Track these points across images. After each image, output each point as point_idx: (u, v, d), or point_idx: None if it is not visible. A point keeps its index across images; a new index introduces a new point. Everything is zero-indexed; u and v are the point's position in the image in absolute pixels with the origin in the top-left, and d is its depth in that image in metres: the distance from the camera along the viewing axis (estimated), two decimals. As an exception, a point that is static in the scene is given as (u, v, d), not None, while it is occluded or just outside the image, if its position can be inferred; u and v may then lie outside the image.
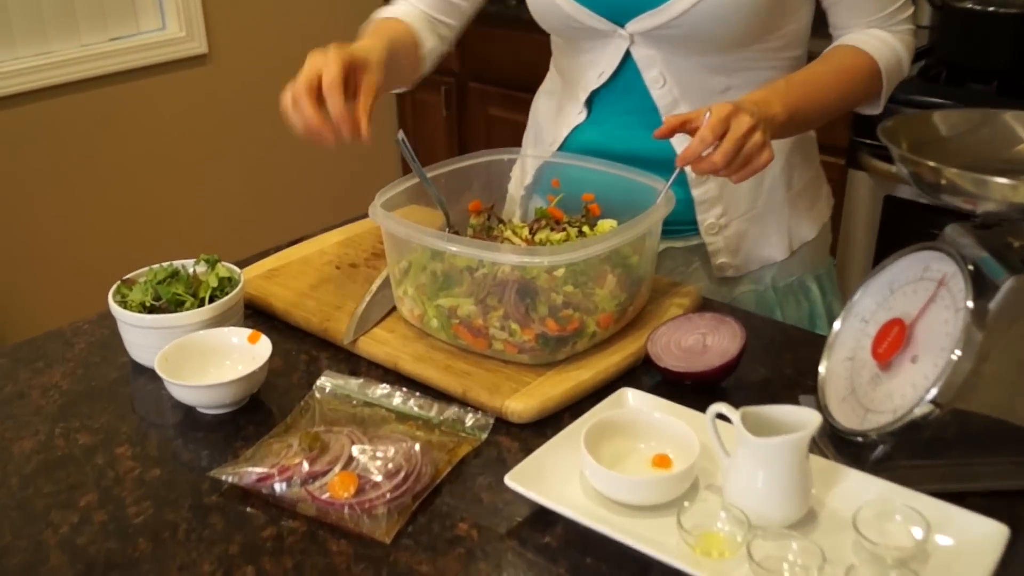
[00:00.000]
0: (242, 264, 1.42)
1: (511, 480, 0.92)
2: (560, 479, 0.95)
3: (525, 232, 1.29)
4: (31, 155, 2.73)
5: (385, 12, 1.42)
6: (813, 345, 1.23)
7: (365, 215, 1.57)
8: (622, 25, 1.31)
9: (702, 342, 1.15)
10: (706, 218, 1.39)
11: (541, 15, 1.38)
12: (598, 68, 1.36)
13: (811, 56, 1.37)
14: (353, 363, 1.19)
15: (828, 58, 1.33)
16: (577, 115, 1.41)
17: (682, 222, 1.40)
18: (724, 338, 1.14)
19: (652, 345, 1.15)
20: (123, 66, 2.87)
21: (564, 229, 1.29)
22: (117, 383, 1.16)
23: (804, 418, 0.89)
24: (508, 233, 1.29)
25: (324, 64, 1.11)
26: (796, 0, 1.31)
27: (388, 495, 0.93)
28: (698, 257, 1.44)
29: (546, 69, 1.55)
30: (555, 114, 1.47)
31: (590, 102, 1.39)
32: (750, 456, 0.89)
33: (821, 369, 1.07)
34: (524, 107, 1.60)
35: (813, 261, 1.50)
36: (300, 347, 1.23)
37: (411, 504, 0.94)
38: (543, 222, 1.30)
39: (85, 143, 2.83)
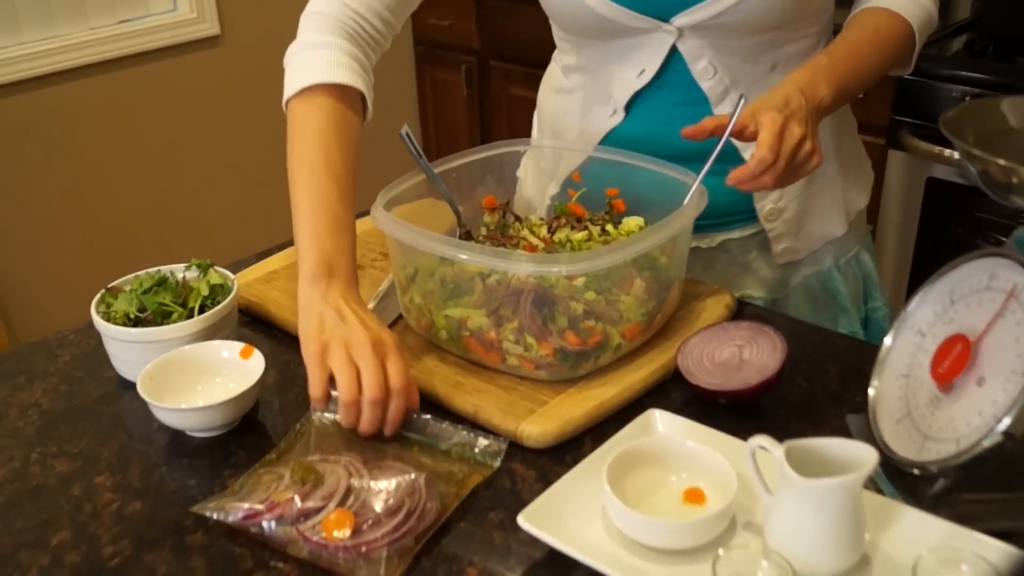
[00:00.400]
0: (243, 264, 1.32)
1: (526, 521, 0.82)
2: (581, 518, 0.85)
3: (543, 231, 1.19)
4: (39, 143, 2.65)
5: (329, 74, 1.12)
6: (860, 354, 1.12)
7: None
8: (667, 20, 1.20)
9: (738, 355, 1.04)
10: (765, 204, 1.30)
11: (564, 17, 1.26)
12: (637, 66, 1.25)
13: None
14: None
15: (863, 23, 1.23)
16: (611, 117, 1.30)
17: (738, 212, 1.31)
18: (763, 351, 1.04)
19: (683, 358, 1.05)
20: (132, 49, 2.78)
21: (586, 227, 1.19)
22: (101, 401, 1.07)
23: (858, 455, 0.79)
24: (525, 232, 1.18)
25: (395, 366, 0.97)
26: None
27: (388, 536, 0.83)
28: (756, 245, 1.34)
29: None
30: (579, 116, 1.35)
31: (628, 103, 1.28)
32: (796, 498, 0.78)
33: (871, 391, 0.96)
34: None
35: (863, 230, 1.43)
36: (299, 359, 1.12)
37: (414, 546, 0.84)
38: (563, 219, 1.20)
39: (94, 129, 2.75)
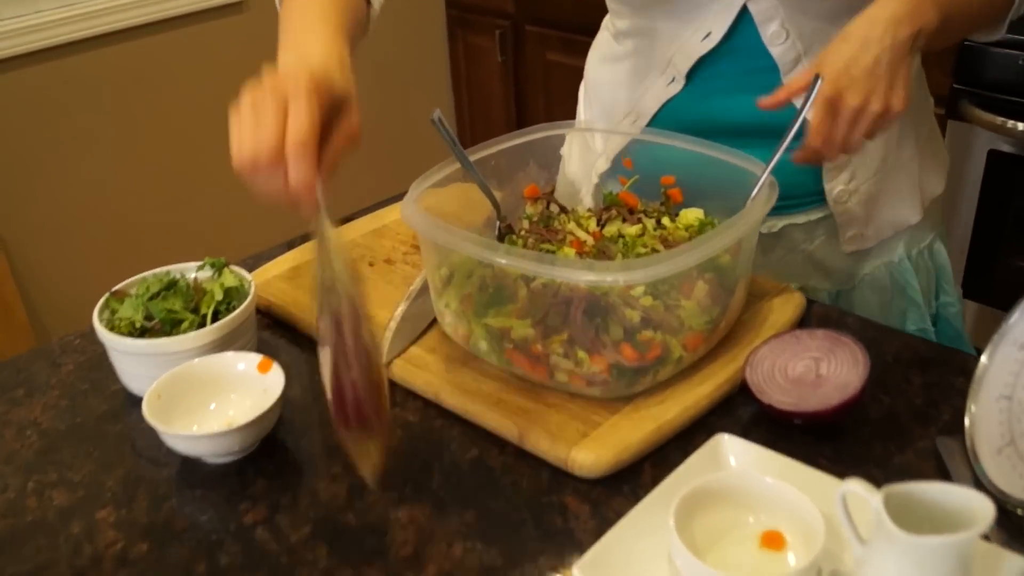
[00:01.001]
0: (263, 258, 1.22)
1: (582, 574, 0.72)
2: (644, 567, 0.74)
3: (592, 224, 1.07)
4: (57, 114, 2.55)
5: None
6: (945, 363, 1.01)
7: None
8: None
9: (814, 370, 0.93)
10: (834, 186, 1.17)
11: None
12: (701, 29, 1.12)
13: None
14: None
15: None
16: (668, 86, 1.18)
17: (805, 194, 1.19)
18: (842, 365, 0.92)
19: (752, 372, 0.94)
20: (153, 16, 2.66)
21: (639, 220, 1.07)
22: (106, 418, 0.97)
23: (969, 505, 0.67)
24: (571, 226, 1.07)
25: (294, 112, 0.77)
26: None
27: None
28: (823, 230, 1.22)
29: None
30: (632, 86, 1.23)
31: (690, 71, 1.16)
32: (896, 554, 0.67)
33: (968, 415, 0.85)
34: (587, 52, 1.37)
35: (939, 218, 1.31)
36: (324, 369, 1.03)
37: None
38: (613, 211, 1.08)
39: (112, 100, 2.64)
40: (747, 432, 0.91)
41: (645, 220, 1.07)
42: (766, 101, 0.97)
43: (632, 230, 1.05)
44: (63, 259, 2.63)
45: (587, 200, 1.28)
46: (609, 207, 1.09)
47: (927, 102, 1.27)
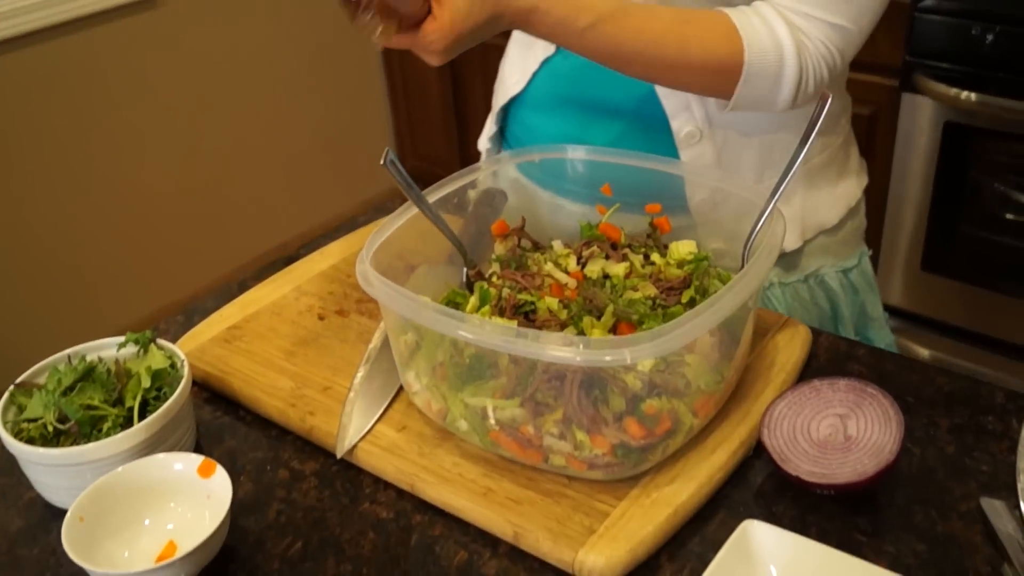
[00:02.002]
0: (197, 312, 1.07)
1: None
2: None
3: (572, 263, 0.95)
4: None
5: None
6: (973, 401, 0.91)
7: (357, 223, 1.23)
8: None
9: (842, 430, 0.81)
10: (696, 191, 1.04)
11: None
12: None
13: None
14: (353, 478, 0.86)
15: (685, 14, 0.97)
16: (545, 47, 1.14)
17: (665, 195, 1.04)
18: (873, 423, 0.81)
19: (770, 436, 0.82)
20: (61, 17, 2.44)
21: (625, 256, 0.95)
22: (22, 539, 0.82)
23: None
24: (549, 267, 0.94)
25: None
26: None
27: None
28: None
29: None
30: (525, 50, 1.18)
31: None
32: None
33: (1020, 479, 0.74)
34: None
35: (837, 252, 1.18)
36: (278, 454, 0.89)
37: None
38: (594, 247, 0.96)
39: (18, 109, 2.43)
40: (771, 505, 0.81)
41: (631, 255, 0.95)
42: None
43: (618, 269, 0.92)
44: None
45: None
46: (589, 241, 0.97)
47: (832, 129, 1.16)
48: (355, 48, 3.11)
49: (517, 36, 1.21)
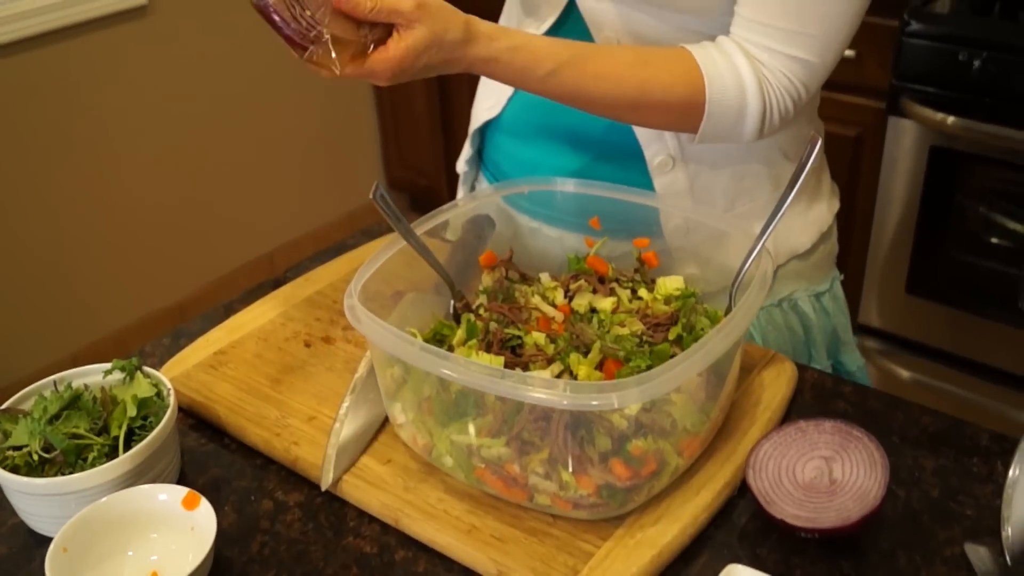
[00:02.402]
0: (183, 335, 1.07)
1: None
2: None
3: (559, 296, 0.95)
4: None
5: None
6: (957, 442, 0.92)
7: (345, 246, 1.22)
8: None
9: (827, 473, 0.82)
10: (670, 218, 1.06)
11: None
12: (539, 17, 1.07)
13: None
14: (337, 510, 0.86)
15: (649, 56, 0.98)
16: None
17: (640, 222, 1.05)
18: (858, 467, 0.82)
19: (755, 477, 0.82)
20: (53, 24, 2.43)
21: (612, 291, 0.95)
22: (2, 566, 0.81)
23: None
24: (536, 300, 0.94)
25: None
26: None
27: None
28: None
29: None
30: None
31: None
32: None
33: (1005, 529, 0.75)
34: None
35: (810, 276, 1.19)
36: (263, 484, 0.89)
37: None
38: (582, 280, 0.96)
39: (5, 117, 2.41)
40: (755, 547, 0.81)
41: (619, 290, 0.95)
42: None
43: (606, 304, 0.93)
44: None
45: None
46: (577, 275, 0.97)
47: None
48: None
49: None
